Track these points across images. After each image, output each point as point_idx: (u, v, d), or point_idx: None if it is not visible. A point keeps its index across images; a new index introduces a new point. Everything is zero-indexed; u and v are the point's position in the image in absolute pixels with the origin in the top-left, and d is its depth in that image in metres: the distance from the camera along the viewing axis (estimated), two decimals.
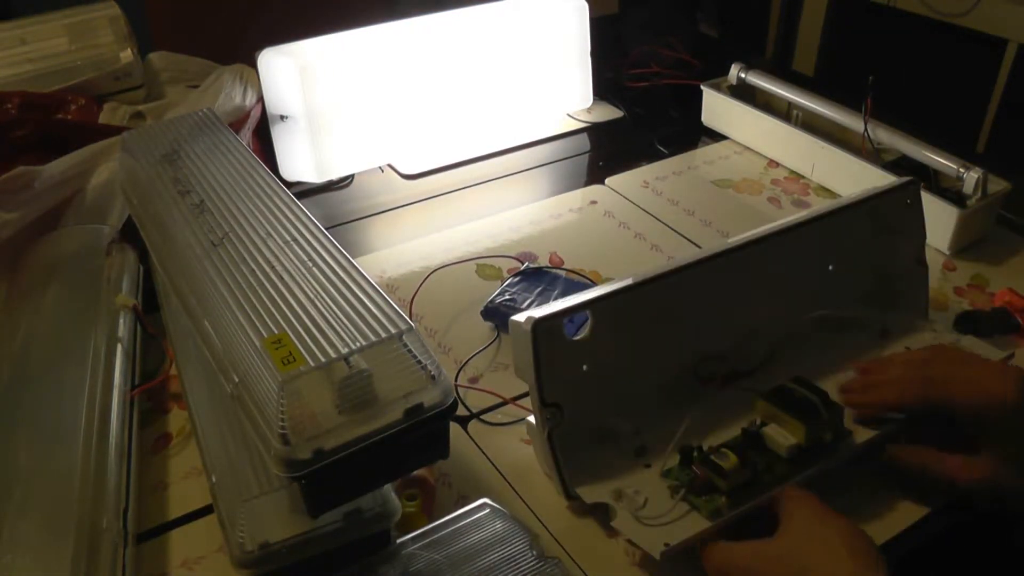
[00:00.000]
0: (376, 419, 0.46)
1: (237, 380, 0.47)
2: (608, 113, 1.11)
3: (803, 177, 0.96)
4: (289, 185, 0.92)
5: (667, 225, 0.89)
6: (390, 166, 1.00)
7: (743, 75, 1.02)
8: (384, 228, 0.91)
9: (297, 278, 0.51)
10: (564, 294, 0.69)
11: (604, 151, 1.04)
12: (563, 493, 0.57)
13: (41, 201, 0.76)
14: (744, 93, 1.03)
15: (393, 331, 0.46)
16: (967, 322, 0.71)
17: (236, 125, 0.88)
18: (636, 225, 0.89)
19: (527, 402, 0.64)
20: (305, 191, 0.95)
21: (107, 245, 0.75)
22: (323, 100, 0.89)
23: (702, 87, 1.04)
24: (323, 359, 0.45)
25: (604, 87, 1.11)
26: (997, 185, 0.81)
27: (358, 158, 0.95)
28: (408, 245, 0.87)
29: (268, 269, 0.52)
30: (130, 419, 0.62)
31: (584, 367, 0.57)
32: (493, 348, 0.72)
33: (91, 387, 0.60)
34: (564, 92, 1.06)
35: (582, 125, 1.09)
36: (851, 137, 0.91)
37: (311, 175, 0.93)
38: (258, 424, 0.45)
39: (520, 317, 0.55)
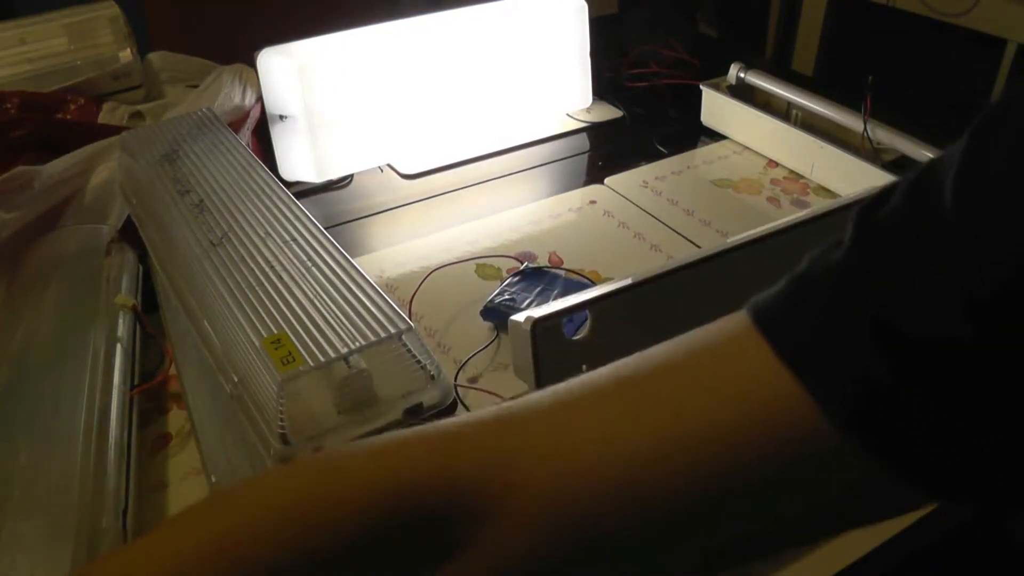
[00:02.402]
0: (375, 419, 0.46)
1: (236, 380, 0.47)
2: (607, 113, 1.11)
3: (802, 177, 0.96)
4: (288, 185, 0.92)
5: (666, 225, 0.89)
6: (389, 166, 1.00)
7: (742, 75, 1.02)
8: (383, 228, 0.91)
9: (296, 278, 0.51)
10: (564, 294, 0.69)
11: (603, 151, 1.04)
12: None
13: (40, 201, 0.76)
14: (743, 93, 1.03)
15: (392, 331, 0.46)
16: None
17: (235, 125, 0.88)
18: (635, 225, 0.89)
19: None
20: (304, 191, 0.95)
21: (107, 245, 0.75)
22: (322, 100, 0.89)
23: (701, 87, 1.04)
24: (322, 359, 0.45)
25: (604, 87, 1.11)
26: None
27: (357, 158, 0.95)
28: (407, 245, 0.87)
29: (267, 269, 0.52)
30: (129, 419, 0.62)
31: (584, 367, 0.57)
32: (492, 348, 0.72)
33: (90, 387, 0.60)
34: (563, 92, 1.06)
35: (581, 125, 1.09)
36: (851, 137, 0.91)
37: (310, 175, 0.92)
38: (257, 424, 0.45)
39: (519, 317, 0.55)
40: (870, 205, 0.27)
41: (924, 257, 0.25)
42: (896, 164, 0.88)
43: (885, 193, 0.27)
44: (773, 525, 0.28)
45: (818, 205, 0.91)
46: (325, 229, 0.55)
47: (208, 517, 0.27)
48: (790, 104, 0.98)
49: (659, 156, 1.02)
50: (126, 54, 0.97)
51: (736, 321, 0.29)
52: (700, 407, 0.27)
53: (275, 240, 0.54)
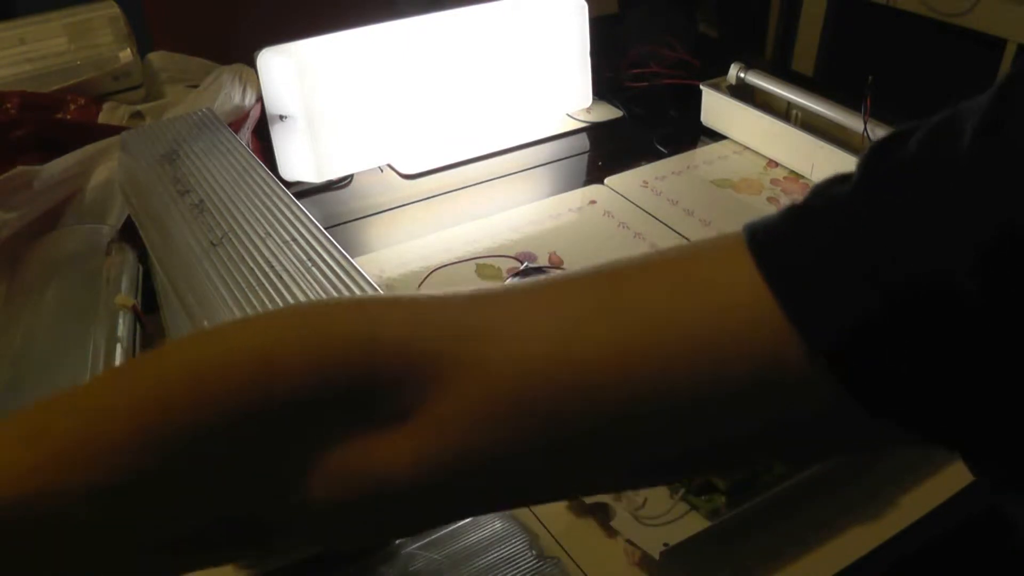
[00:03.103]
0: None
1: None
2: (607, 113, 1.11)
3: (803, 177, 0.96)
4: (288, 185, 0.92)
5: (667, 225, 0.89)
6: (389, 166, 1.00)
7: (742, 75, 1.02)
8: (383, 228, 0.91)
9: (296, 278, 0.51)
10: None
11: (603, 151, 1.04)
12: None
13: (40, 201, 0.76)
14: (743, 93, 1.03)
15: None
16: None
17: (235, 125, 0.87)
18: (636, 225, 0.89)
19: None
20: (304, 191, 0.95)
21: (106, 245, 0.75)
22: (322, 100, 0.89)
23: (701, 87, 1.04)
24: None
25: (604, 87, 1.11)
26: None
27: (357, 158, 0.95)
28: (407, 245, 0.87)
29: (267, 269, 0.52)
30: None
31: None
32: None
33: None
34: (563, 92, 1.06)
35: (581, 125, 1.09)
36: (851, 137, 0.91)
37: (310, 175, 0.92)
38: None
39: None
40: (883, 144, 0.27)
41: (935, 201, 0.24)
42: None
43: (901, 135, 0.26)
44: (726, 444, 0.28)
45: None
46: (325, 229, 0.55)
47: (188, 349, 0.28)
48: (790, 104, 0.98)
49: (659, 156, 1.02)
50: (126, 54, 0.97)
51: (730, 237, 0.28)
52: (670, 310, 0.27)
53: (275, 240, 0.54)
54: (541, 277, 0.30)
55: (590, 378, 0.27)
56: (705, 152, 1.03)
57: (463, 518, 0.35)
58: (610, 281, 0.29)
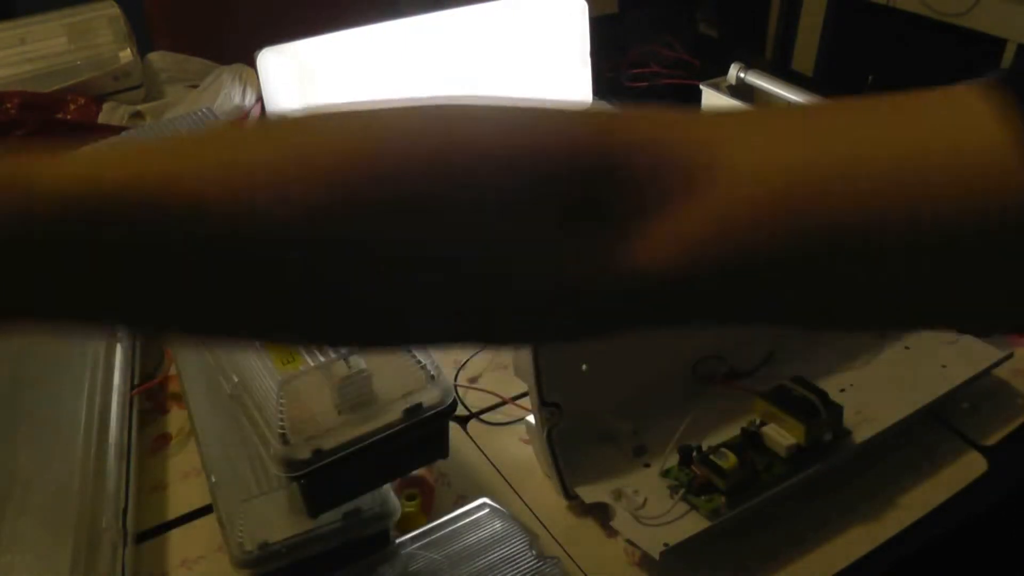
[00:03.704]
0: (375, 419, 0.46)
1: (236, 380, 0.47)
2: None
3: None
4: None
5: None
6: None
7: (742, 75, 1.02)
8: None
9: None
10: None
11: None
12: (562, 493, 0.57)
13: None
14: (743, 93, 1.03)
15: None
16: None
17: None
18: None
19: (526, 402, 0.64)
20: None
21: None
22: (323, 100, 0.89)
23: (701, 87, 1.04)
24: (322, 359, 0.45)
25: (604, 87, 1.11)
26: None
27: None
28: None
29: None
30: (129, 419, 0.62)
31: (583, 367, 0.57)
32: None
33: (90, 387, 0.60)
34: (564, 92, 1.05)
35: None
36: None
37: None
38: (257, 424, 0.45)
39: None
40: None
41: None
42: None
43: None
44: (934, 291, 0.27)
45: None
46: None
47: (470, 113, 0.26)
48: (790, 104, 0.98)
49: None
50: (126, 54, 0.98)
51: (968, 85, 0.27)
52: (910, 141, 0.26)
53: None
54: (773, 105, 0.30)
55: (824, 201, 0.26)
56: None
57: (686, 328, 0.34)
58: (841, 112, 0.28)
